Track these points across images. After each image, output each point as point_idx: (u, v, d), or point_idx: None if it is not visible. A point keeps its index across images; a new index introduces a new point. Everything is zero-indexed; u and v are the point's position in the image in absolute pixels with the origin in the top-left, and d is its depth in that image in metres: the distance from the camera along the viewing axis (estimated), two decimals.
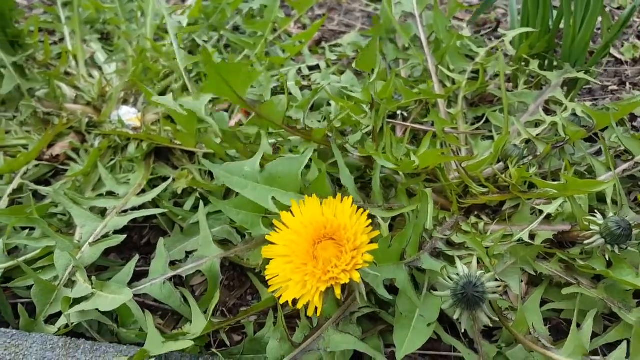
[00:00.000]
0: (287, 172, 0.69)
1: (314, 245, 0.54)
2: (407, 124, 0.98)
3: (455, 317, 0.65)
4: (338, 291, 0.51)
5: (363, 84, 1.10)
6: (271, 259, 0.55)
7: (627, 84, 1.35)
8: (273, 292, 0.53)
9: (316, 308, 0.51)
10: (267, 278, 0.54)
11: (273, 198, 0.67)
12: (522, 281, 0.84)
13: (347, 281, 0.50)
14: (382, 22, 1.18)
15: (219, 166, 0.67)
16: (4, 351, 0.71)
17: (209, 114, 0.83)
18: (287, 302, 0.53)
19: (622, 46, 1.49)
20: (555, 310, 0.82)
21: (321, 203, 0.55)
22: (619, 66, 1.44)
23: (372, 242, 0.53)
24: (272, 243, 0.56)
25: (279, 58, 1.14)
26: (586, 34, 1.12)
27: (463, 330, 0.67)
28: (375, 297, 0.80)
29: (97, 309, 0.72)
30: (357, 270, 0.51)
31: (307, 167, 0.78)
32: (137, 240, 0.96)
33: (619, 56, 1.48)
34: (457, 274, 0.66)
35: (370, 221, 0.52)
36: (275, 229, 0.56)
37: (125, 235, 0.81)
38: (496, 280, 0.68)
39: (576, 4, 1.11)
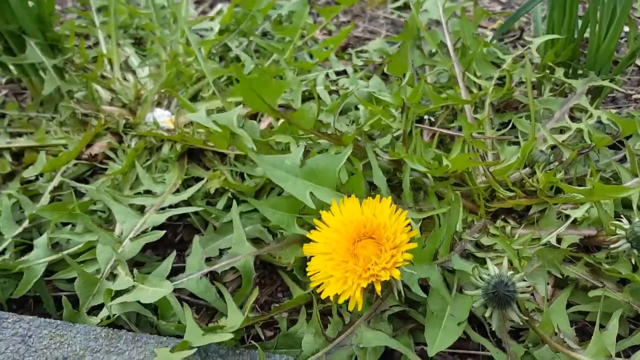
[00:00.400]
0: (326, 168, 0.71)
1: (354, 244, 0.56)
2: (435, 128, 1.00)
3: (486, 314, 0.67)
4: (378, 288, 0.53)
5: (390, 88, 1.13)
6: (311, 257, 0.57)
7: None
8: (315, 287, 0.55)
9: (357, 303, 0.54)
10: (308, 274, 0.57)
11: (311, 194, 0.69)
12: (548, 284, 0.85)
13: (388, 278, 0.53)
14: (409, 30, 1.20)
15: (263, 157, 0.70)
16: (49, 340, 0.74)
17: (241, 125, 0.86)
18: (321, 298, 0.55)
19: None
20: (581, 312, 0.84)
21: (360, 203, 0.58)
22: None
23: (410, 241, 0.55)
24: (312, 241, 0.58)
25: (307, 63, 1.17)
26: (611, 43, 1.14)
27: (493, 329, 0.69)
28: (405, 296, 0.82)
29: (138, 301, 0.75)
30: (396, 268, 0.54)
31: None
32: (172, 238, 0.99)
33: None
34: (489, 274, 0.68)
35: (409, 220, 0.55)
36: (316, 227, 0.59)
37: (164, 232, 0.84)
38: (525, 280, 0.69)
39: (602, 13, 1.12)
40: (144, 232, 0.84)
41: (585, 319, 0.84)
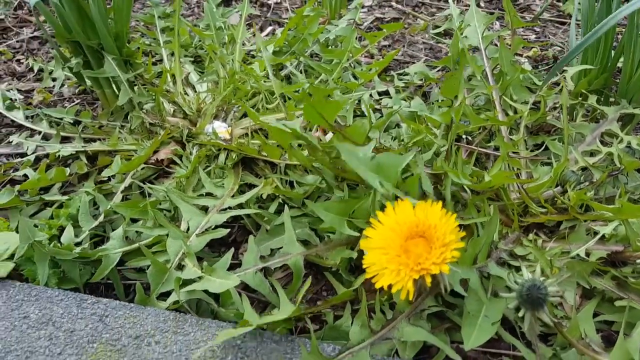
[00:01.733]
0: (391, 165, 0.78)
1: (406, 241, 0.64)
2: (473, 147, 1.08)
3: (520, 314, 0.74)
4: (428, 280, 0.61)
5: (431, 109, 1.21)
6: (366, 252, 0.66)
7: None
8: (370, 278, 0.64)
9: (408, 292, 0.62)
10: (364, 266, 0.65)
11: (380, 183, 0.77)
12: (576, 294, 0.92)
13: (438, 272, 0.61)
14: (451, 54, 1.29)
15: (344, 146, 0.78)
16: (124, 320, 0.84)
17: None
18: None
19: None
20: (607, 322, 0.89)
21: (413, 206, 0.66)
22: None
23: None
24: (368, 237, 0.66)
25: (353, 83, 1.27)
26: None
27: (525, 329, 0.76)
28: (442, 298, 0.89)
29: (204, 291, 0.84)
30: (445, 264, 0.62)
31: None
32: (226, 238, 1.08)
33: None
34: (523, 279, 0.75)
35: (458, 222, 0.63)
36: (370, 226, 0.67)
37: (227, 230, 0.93)
38: (555, 286, 0.76)
39: (634, 45, 1.19)
40: (207, 229, 0.94)
41: (610, 328, 0.90)
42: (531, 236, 0.99)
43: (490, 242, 0.82)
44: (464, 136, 1.17)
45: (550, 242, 0.96)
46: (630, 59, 1.20)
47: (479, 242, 0.77)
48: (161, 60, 1.42)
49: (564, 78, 1.15)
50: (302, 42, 1.38)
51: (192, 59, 1.48)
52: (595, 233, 0.99)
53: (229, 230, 0.94)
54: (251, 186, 1.13)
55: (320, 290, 1.01)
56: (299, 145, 1.05)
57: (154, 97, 1.24)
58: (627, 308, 0.81)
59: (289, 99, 1.26)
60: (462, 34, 1.31)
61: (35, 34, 1.82)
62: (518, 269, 0.85)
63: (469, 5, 1.32)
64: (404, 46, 1.82)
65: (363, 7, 2.08)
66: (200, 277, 0.84)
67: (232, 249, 0.95)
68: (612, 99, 1.29)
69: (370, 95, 1.37)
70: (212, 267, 0.84)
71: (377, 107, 1.31)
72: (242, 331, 0.75)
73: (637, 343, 0.80)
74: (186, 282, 0.86)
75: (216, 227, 0.96)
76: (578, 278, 0.90)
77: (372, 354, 0.80)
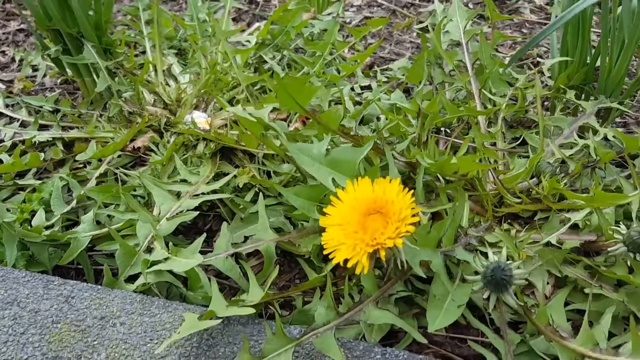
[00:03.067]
0: (348, 159, 0.79)
1: (365, 218, 0.64)
2: (450, 138, 1.07)
3: (484, 297, 0.74)
4: (383, 254, 0.61)
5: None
6: (326, 229, 0.65)
7: None
8: (328, 254, 0.63)
9: (363, 267, 0.61)
10: (323, 243, 0.64)
11: (333, 179, 0.77)
12: (548, 283, 0.91)
13: (392, 245, 0.60)
14: (431, 48, 1.29)
15: (294, 144, 0.78)
16: (90, 302, 0.83)
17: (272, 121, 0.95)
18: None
19: None
20: (580, 312, 0.89)
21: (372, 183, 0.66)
22: None
23: (414, 224, 0.62)
24: (328, 215, 0.66)
25: (335, 76, 1.27)
26: (620, 69, 1.21)
27: (490, 310, 0.75)
28: (411, 284, 0.89)
29: (170, 272, 0.84)
30: (402, 239, 0.61)
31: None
32: (202, 226, 1.08)
33: None
34: (488, 261, 0.75)
35: (413, 198, 0.62)
36: (332, 204, 0.67)
37: (197, 213, 0.93)
38: (521, 269, 0.76)
39: (612, 41, 1.19)
40: (178, 214, 0.93)
41: (582, 317, 0.89)
42: (505, 226, 0.99)
43: (456, 227, 0.81)
44: (442, 129, 1.17)
45: (523, 232, 0.96)
46: (609, 55, 1.20)
47: (443, 224, 0.77)
48: (145, 52, 1.42)
49: (540, 70, 1.15)
50: (285, 34, 1.39)
51: (176, 52, 1.49)
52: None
53: (198, 212, 0.94)
54: (227, 174, 1.13)
55: (294, 278, 1.00)
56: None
57: (134, 87, 1.24)
58: (592, 294, 0.80)
59: (270, 90, 1.26)
60: (444, 28, 1.32)
61: (22, 26, 1.82)
62: (487, 255, 0.85)
63: None
64: (390, 44, 1.82)
65: (352, 6, 2.09)
66: (166, 259, 0.84)
67: (204, 235, 0.94)
68: (593, 97, 1.29)
69: (352, 89, 1.37)
70: (178, 248, 0.84)
71: (359, 100, 1.31)
72: (208, 324, 0.74)
73: (606, 330, 0.80)
74: (156, 264, 0.86)
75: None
76: (549, 266, 0.90)
77: (340, 337, 0.80)
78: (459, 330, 0.85)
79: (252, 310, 0.77)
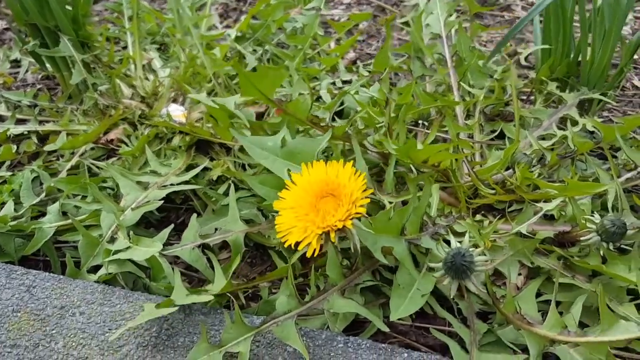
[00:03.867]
0: (306, 150, 0.78)
1: (318, 201, 0.63)
2: (427, 130, 1.06)
3: (445, 283, 0.72)
4: (333, 235, 0.60)
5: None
6: (280, 213, 0.64)
7: None
8: (281, 237, 0.62)
9: (314, 249, 0.60)
10: (276, 227, 0.63)
11: (288, 170, 0.76)
12: (520, 274, 0.89)
13: (341, 226, 0.59)
14: (411, 41, 1.28)
15: (245, 137, 0.77)
16: (51, 291, 0.82)
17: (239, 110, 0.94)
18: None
19: None
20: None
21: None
22: None
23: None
24: (282, 198, 0.65)
25: (314, 69, 1.26)
26: (602, 60, 1.19)
27: (451, 296, 0.74)
28: (380, 274, 0.87)
29: (133, 263, 0.83)
30: (351, 220, 0.60)
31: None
32: (174, 220, 1.07)
33: None
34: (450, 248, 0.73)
35: (365, 181, 0.61)
36: (287, 187, 0.66)
37: (161, 202, 0.92)
38: (484, 255, 0.74)
39: (594, 32, 1.18)
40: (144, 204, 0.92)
41: (556, 308, 0.87)
42: (478, 217, 0.97)
43: (422, 215, 0.80)
44: (420, 122, 1.16)
45: (497, 223, 0.94)
46: (591, 47, 1.19)
47: (406, 211, 0.75)
48: (126, 47, 1.42)
49: (517, 60, 1.14)
50: (265, 28, 1.38)
51: (158, 47, 1.48)
52: (545, 215, 0.98)
53: (162, 202, 0.93)
54: (204, 169, 1.12)
55: (265, 271, 0.98)
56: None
57: (110, 80, 1.24)
58: (556, 283, 0.78)
59: None
60: (424, 21, 1.30)
61: (8, 25, 1.83)
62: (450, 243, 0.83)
63: None
64: (378, 41, 1.81)
65: (341, 4, 2.08)
66: (129, 247, 0.83)
67: (172, 225, 0.93)
68: (576, 89, 1.27)
69: (334, 83, 1.36)
70: (139, 237, 0.83)
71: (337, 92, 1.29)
72: (165, 312, 0.73)
73: (577, 318, 0.78)
74: (118, 253, 0.85)
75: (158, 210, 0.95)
76: (520, 256, 0.88)
77: (303, 327, 0.78)
78: (425, 320, 0.83)
79: (210, 298, 0.76)
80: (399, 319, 0.83)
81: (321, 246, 0.63)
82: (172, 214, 1.07)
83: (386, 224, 0.74)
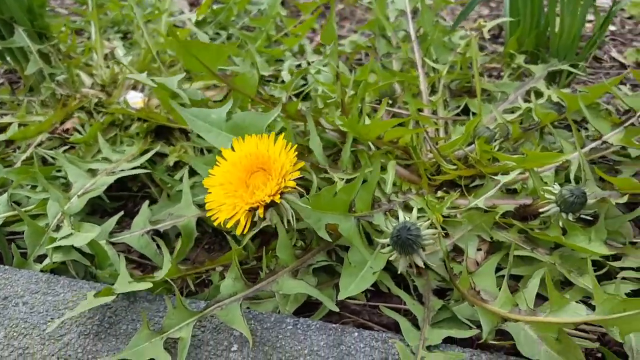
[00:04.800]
0: (253, 125, 0.74)
1: (249, 176, 0.60)
2: (390, 108, 1.03)
3: (391, 258, 0.69)
4: (261, 211, 0.57)
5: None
6: (209, 190, 0.61)
7: (627, 84, 1.36)
8: (210, 216, 0.59)
9: (244, 227, 0.58)
10: (206, 205, 0.60)
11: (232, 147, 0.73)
12: (480, 249, 0.87)
13: (269, 201, 0.56)
14: (375, 19, 1.25)
15: (187, 110, 0.73)
16: None
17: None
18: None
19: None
20: (516, 279, 0.84)
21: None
22: (622, 70, 1.45)
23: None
24: (212, 175, 0.62)
25: (277, 50, 1.23)
26: (572, 31, 1.16)
27: (399, 271, 0.71)
28: (336, 254, 0.85)
29: (78, 251, 0.81)
30: (281, 195, 0.58)
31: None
32: (131, 208, 1.04)
33: (623, 60, 1.50)
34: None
35: (296, 153, 0.58)
36: (217, 163, 0.63)
37: (106, 186, 0.89)
38: (433, 228, 0.72)
39: (562, 2, 1.14)
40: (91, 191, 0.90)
41: (517, 284, 0.85)
42: (440, 193, 0.94)
43: (372, 190, 0.77)
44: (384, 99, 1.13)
45: (451, 197, 0.92)
46: (560, 17, 1.16)
47: (353, 187, 0.73)
48: (91, 38, 1.39)
49: (481, 34, 1.11)
50: (227, 11, 1.35)
51: (122, 36, 1.45)
52: (508, 189, 0.95)
53: (107, 185, 0.90)
54: (163, 155, 1.09)
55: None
56: None
57: (68, 69, 1.21)
58: (510, 256, 0.75)
59: None
60: None
61: None
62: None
63: None
64: (351, 23, 1.78)
65: None
66: (72, 234, 0.80)
67: (121, 213, 0.91)
68: (547, 61, 1.24)
69: (300, 65, 1.33)
70: (81, 223, 0.80)
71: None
72: (105, 300, 0.71)
73: (534, 292, 0.75)
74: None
75: (112, 199, 0.92)
76: (479, 231, 0.85)
77: (252, 310, 0.76)
78: (381, 299, 0.81)
79: (150, 285, 0.74)
80: (352, 299, 0.82)
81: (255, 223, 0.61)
82: (129, 202, 1.05)
83: (331, 201, 0.72)
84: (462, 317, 0.74)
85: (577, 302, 0.63)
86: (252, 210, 0.58)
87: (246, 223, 0.59)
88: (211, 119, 0.74)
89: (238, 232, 0.58)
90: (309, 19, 1.26)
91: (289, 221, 0.63)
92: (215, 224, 0.59)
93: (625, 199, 0.83)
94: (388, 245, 0.72)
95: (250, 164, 0.60)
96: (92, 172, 0.93)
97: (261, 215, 0.58)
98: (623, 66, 1.47)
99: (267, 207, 0.61)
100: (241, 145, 0.62)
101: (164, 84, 0.77)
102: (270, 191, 0.57)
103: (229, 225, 0.58)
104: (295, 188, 0.60)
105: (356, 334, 0.72)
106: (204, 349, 0.70)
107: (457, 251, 0.87)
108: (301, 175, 0.58)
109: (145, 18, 1.29)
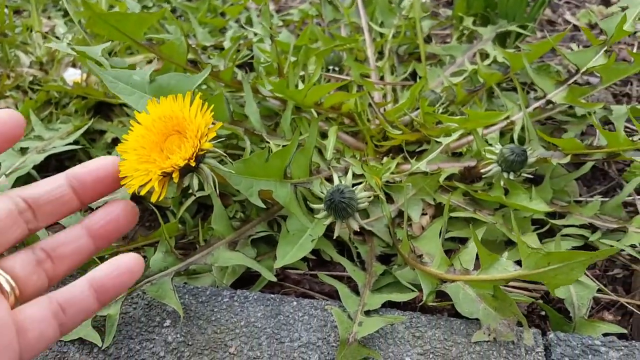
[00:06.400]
0: (178, 88, 0.70)
1: (164, 140, 0.57)
2: (340, 76, 1.00)
3: (325, 223, 0.67)
4: (176, 175, 0.54)
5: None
6: (123, 156, 0.57)
7: (579, 45, 1.36)
8: (123, 184, 0.56)
9: (159, 194, 0.55)
10: (120, 173, 0.57)
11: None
12: (426, 213, 0.85)
13: (182, 164, 0.53)
14: None
15: (107, 72, 0.69)
16: None
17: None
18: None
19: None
20: (462, 241, 0.83)
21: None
22: (576, 32, 1.44)
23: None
24: (125, 140, 0.58)
25: (219, 20, 1.19)
26: None
27: (336, 235, 0.69)
28: (277, 225, 0.82)
29: None
30: (201, 159, 0.55)
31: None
32: None
33: (577, 23, 1.49)
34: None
35: (212, 114, 0.55)
36: (130, 128, 0.59)
37: (33, 164, 0.85)
38: (368, 191, 0.70)
39: None
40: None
41: (463, 246, 0.83)
42: (386, 160, 0.92)
43: (309, 156, 0.74)
44: (331, 67, 1.10)
45: (403, 165, 0.90)
46: None
47: (287, 151, 0.70)
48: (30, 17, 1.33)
49: None
50: None
51: (63, 13, 1.39)
52: (453, 153, 0.93)
53: (36, 163, 0.86)
54: (103, 132, 1.05)
55: None
56: None
57: (2, 48, 1.15)
58: (445, 216, 0.74)
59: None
60: None
61: None
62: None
63: None
64: None
65: None
66: None
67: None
68: (497, 22, 1.22)
69: (247, 36, 1.29)
70: None
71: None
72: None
73: (474, 254, 0.74)
74: None
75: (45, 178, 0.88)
76: (423, 195, 0.84)
77: (187, 284, 0.73)
78: (324, 267, 0.79)
79: None
80: (293, 269, 0.80)
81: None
82: None
83: (263, 166, 0.69)
84: (404, 282, 0.73)
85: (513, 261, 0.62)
86: (166, 175, 0.55)
87: (162, 190, 0.55)
88: (133, 81, 0.70)
89: (153, 199, 0.55)
90: None
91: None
92: (129, 192, 0.56)
93: (567, 159, 0.82)
94: (324, 210, 0.69)
95: (165, 127, 0.57)
96: (23, 151, 0.89)
97: (175, 181, 0.54)
98: (577, 28, 1.46)
99: (185, 172, 0.58)
100: (156, 107, 0.58)
101: (85, 52, 0.72)
102: (184, 154, 0.54)
103: (142, 193, 0.54)
104: (215, 151, 0.57)
105: (295, 303, 0.70)
106: (135, 325, 0.67)
107: (403, 217, 0.85)
108: (223, 138, 0.55)
109: None
